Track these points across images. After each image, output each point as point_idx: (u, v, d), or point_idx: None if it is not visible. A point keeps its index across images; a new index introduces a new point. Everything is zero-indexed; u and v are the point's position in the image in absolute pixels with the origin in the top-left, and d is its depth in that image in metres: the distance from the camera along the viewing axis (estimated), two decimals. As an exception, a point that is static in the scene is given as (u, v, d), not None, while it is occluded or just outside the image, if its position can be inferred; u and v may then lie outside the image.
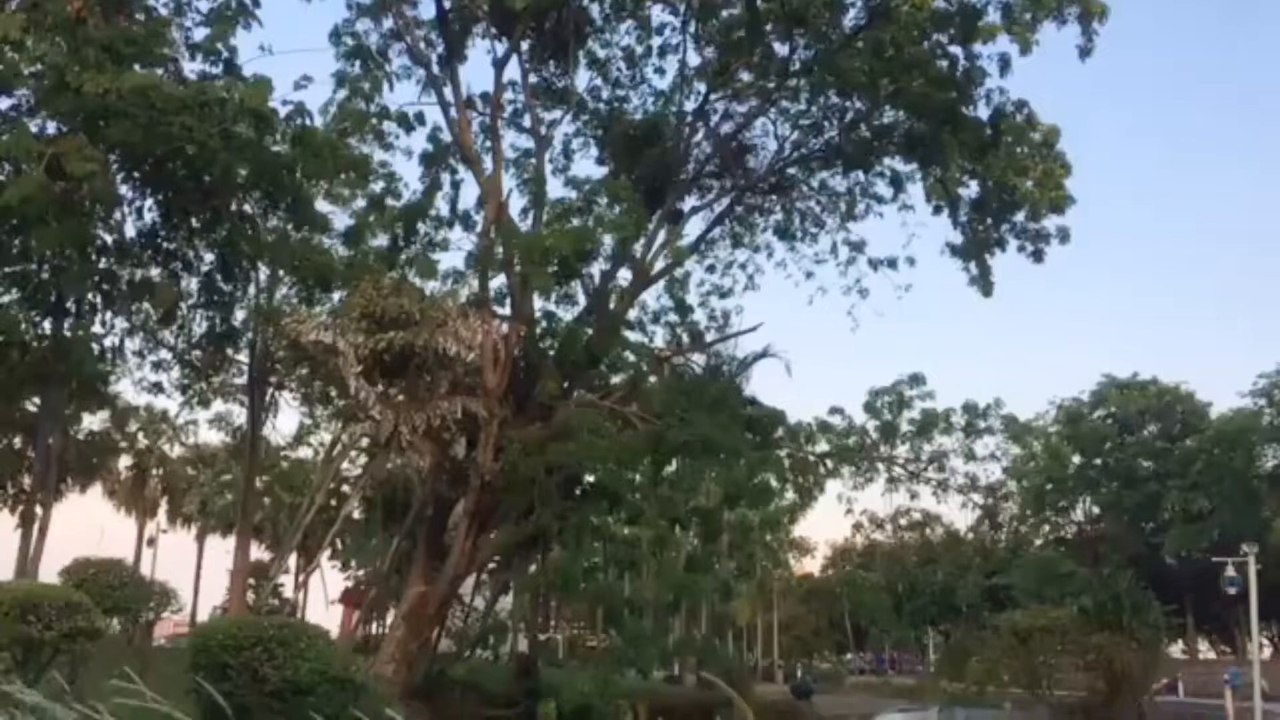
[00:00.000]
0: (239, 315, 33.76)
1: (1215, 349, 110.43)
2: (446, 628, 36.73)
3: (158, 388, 35.05)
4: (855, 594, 71.64)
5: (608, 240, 32.73)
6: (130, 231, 30.31)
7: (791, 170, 37.39)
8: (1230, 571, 26.21)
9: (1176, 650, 50.64)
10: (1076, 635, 31.41)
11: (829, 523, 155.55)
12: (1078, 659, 30.70)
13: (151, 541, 53.99)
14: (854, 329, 42.00)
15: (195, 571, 55.39)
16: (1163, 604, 39.04)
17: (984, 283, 34.64)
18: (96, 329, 31.29)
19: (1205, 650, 55.48)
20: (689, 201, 37.59)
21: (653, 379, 37.23)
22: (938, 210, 34.47)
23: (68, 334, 29.32)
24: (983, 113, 31.87)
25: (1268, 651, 47.34)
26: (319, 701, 14.96)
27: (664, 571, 35.84)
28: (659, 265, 35.77)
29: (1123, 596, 36.81)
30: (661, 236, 35.48)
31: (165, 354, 34.07)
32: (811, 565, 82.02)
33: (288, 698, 14.95)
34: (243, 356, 34.71)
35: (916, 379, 42.37)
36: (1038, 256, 34.06)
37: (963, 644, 45.10)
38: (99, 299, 30.19)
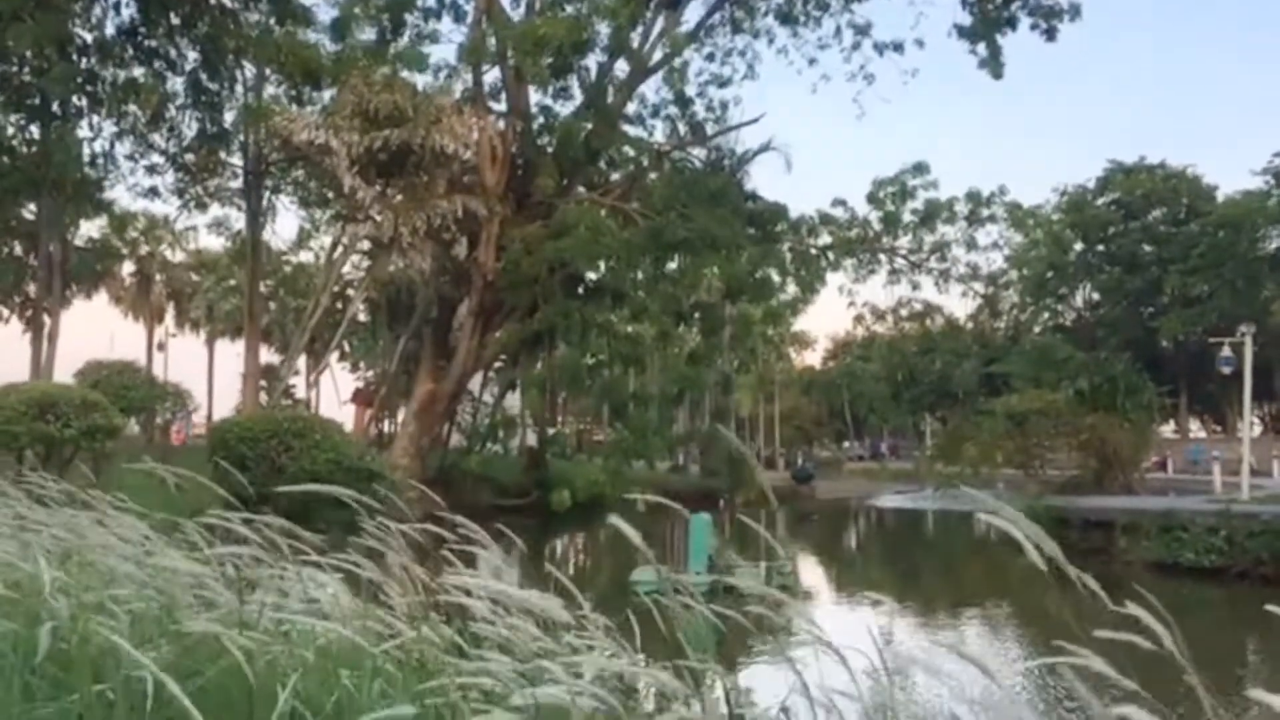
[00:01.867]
0: (228, 116, 33.10)
1: (1231, 131, 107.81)
2: (456, 423, 37.74)
3: (153, 192, 34.80)
4: (855, 384, 72.98)
5: (604, 29, 31.65)
6: (110, 30, 29.36)
7: (795, -53, 35.70)
8: (1226, 352, 26.55)
9: (1168, 430, 52.01)
10: (1070, 417, 32.19)
11: (830, 317, 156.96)
12: (1071, 439, 31.57)
13: (161, 346, 54.79)
14: (859, 116, 41.17)
15: (207, 375, 56.44)
16: (1157, 386, 39.77)
17: (994, 64, 33.63)
18: (85, 132, 30.77)
19: (1196, 430, 56.89)
20: (687, -16, 36.09)
21: (652, 175, 36.82)
22: (947, -13, 33.10)
23: (54, 137, 28.85)
24: None
25: (1257, 429, 48.55)
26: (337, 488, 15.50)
27: (667, 366, 36.46)
28: (657, 55, 34.72)
29: (1118, 379, 37.46)
30: (659, 24, 34.24)
31: (157, 158, 33.63)
32: (812, 358, 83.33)
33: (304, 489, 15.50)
34: (236, 159, 34.25)
35: (920, 168, 41.72)
36: (1050, 34, 32.94)
37: (959, 429, 46.25)
38: (84, 101, 29.53)
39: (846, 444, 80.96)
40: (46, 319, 30.00)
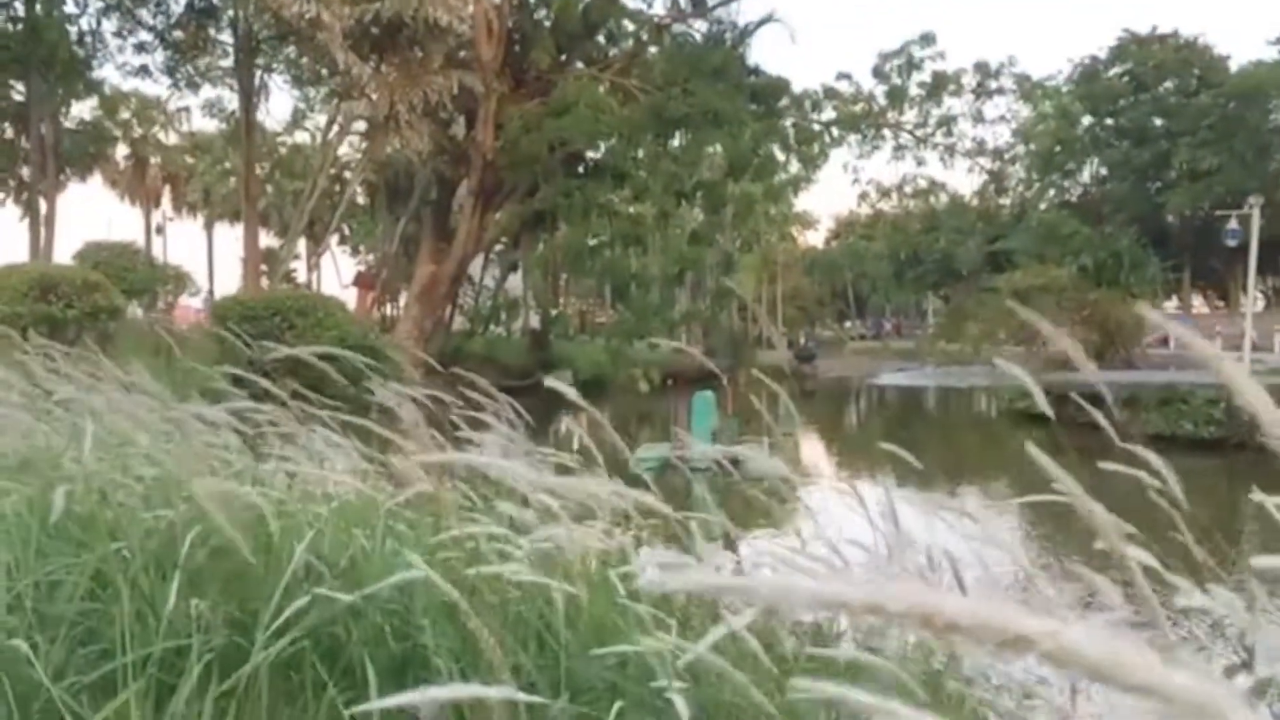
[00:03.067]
0: (217, -10, 32.23)
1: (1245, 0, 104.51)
2: (459, 306, 37.77)
3: (143, 71, 34.20)
4: (858, 264, 72.67)
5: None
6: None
7: None
8: (1233, 224, 26.32)
9: (1171, 306, 51.90)
10: (1074, 293, 32.11)
11: (833, 197, 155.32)
12: (1074, 315, 31.52)
13: (159, 230, 54.45)
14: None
15: (207, 259, 56.28)
16: (1161, 261, 39.55)
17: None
18: (70, 8, 30.07)
19: (1199, 305, 56.81)
20: None
21: (652, 49, 35.94)
22: None
23: (40, 14, 28.16)
24: None
25: (1260, 304, 48.50)
26: (341, 367, 15.57)
27: (668, 246, 36.20)
28: (657, -80, 33.60)
29: (1122, 254, 37.26)
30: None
31: (145, 35, 32.93)
32: (815, 239, 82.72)
33: (310, 365, 15.56)
34: (226, 36, 33.47)
35: (927, 39, 40.69)
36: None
37: (962, 307, 46.26)
38: (68, -24, 28.77)
39: (848, 324, 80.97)
40: (42, 202, 29.77)
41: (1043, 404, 2.14)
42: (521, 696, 1.33)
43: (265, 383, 3.76)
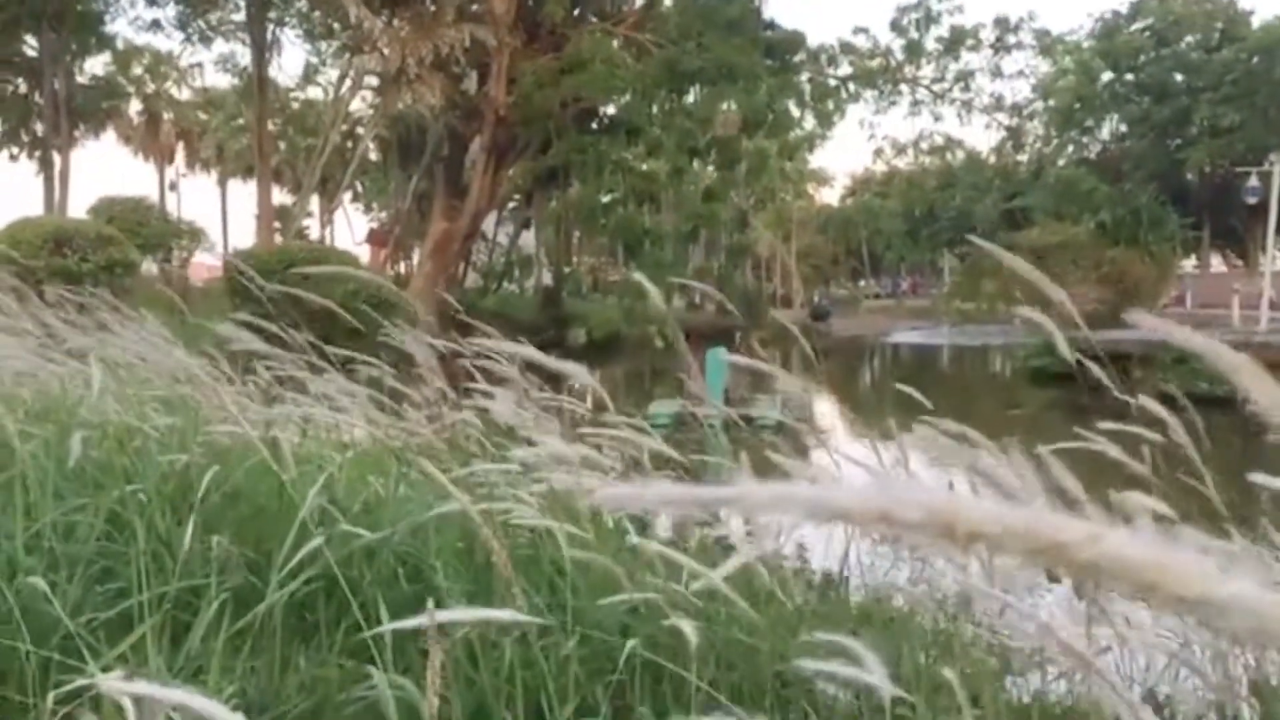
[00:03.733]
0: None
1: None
2: (472, 263, 37.74)
3: (156, 25, 34.04)
4: (873, 222, 72.09)
5: None
6: None
7: None
8: (1253, 181, 26.00)
9: (1189, 264, 51.41)
10: (1092, 251, 31.83)
11: (849, 155, 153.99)
12: (1091, 273, 31.30)
13: (173, 186, 54.37)
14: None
15: (221, 216, 56.26)
16: (1181, 219, 39.08)
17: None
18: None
19: (1218, 264, 56.24)
20: None
21: (667, 2, 35.55)
22: None
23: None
24: None
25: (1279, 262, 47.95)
26: (355, 319, 15.51)
27: (682, 203, 36.02)
28: None
29: (1141, 212, 36.81)
30: None
31: (157, -12, 32.73)
32: (830, 196, 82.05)
33: (323, 318, 15.54)
34: (238, -10, 33.29)
35: (946, -9, 40.16)
36: None
37: (978, 265, 45.86)
38: (77, -71, 28.54)
39: (863, 282, 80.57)
40: (56, 158, 29.78)
41: (1067, 356, 2.14)
42: (527, 619, 1.33)
43: (276, 328, 3.77)
